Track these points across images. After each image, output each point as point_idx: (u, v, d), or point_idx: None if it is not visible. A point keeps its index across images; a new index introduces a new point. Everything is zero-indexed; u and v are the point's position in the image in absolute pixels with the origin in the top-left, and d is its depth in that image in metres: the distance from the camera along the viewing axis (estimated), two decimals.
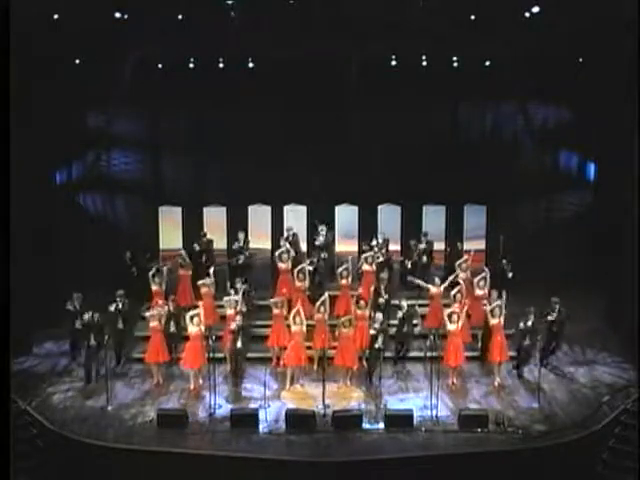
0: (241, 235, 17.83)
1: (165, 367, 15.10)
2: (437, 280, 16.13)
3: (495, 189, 19.06)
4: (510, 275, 16.72)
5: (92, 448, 12.41)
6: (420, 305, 16.29)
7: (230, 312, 15.07)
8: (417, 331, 15.74)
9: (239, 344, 14.52)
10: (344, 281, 16.33)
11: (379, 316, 14.71)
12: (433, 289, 16.00)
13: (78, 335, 15.19)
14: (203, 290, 16.07)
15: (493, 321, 14.58)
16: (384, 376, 14.65)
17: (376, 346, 14.53)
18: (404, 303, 15.49)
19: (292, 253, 16.83)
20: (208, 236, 18.21)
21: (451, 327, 14.49)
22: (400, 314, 15.42)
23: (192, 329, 14.31)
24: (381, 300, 15.78)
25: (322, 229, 17.82)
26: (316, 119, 18.83)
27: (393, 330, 15.48)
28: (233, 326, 14.58)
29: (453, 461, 12.26)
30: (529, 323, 14.66)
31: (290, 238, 17.72)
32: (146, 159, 20.09)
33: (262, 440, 12.64)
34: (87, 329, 14.68)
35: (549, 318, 15.08)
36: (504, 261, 16.96)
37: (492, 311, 14.66)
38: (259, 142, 19.01)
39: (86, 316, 14.69)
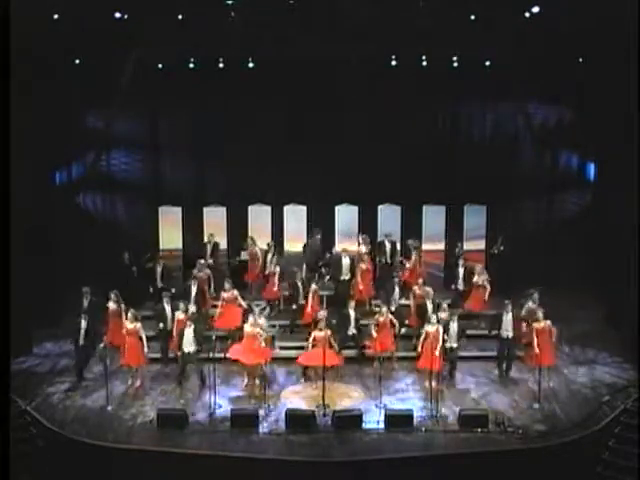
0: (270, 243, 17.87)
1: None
2: (420, 280, 16.20)
3: (495, 189, 19.06)
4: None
5: (92, 448, 12.41)
6: None
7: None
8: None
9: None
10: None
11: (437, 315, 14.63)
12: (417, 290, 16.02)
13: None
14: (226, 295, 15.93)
15: (537, 325, 14.45)
16: (384, 376, 14.61)
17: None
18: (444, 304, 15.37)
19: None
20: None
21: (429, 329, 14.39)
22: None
23: (247, 328, 14.35)
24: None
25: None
26: (316, 119, 18.85)
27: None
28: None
29: (453, 461, 12.24)
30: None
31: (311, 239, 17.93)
32: (146, 159, 20.07)
33: (262, 440, 12.64)
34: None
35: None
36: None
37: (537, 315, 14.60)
38: (259, 142, 19.03)
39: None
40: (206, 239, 18.17)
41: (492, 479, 12.30)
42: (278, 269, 17.02)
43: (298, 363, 14.67)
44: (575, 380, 14.84)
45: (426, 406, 13.55)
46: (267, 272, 17.27)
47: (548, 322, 14.35)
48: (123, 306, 15.18)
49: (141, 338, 14.41)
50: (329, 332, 14.46)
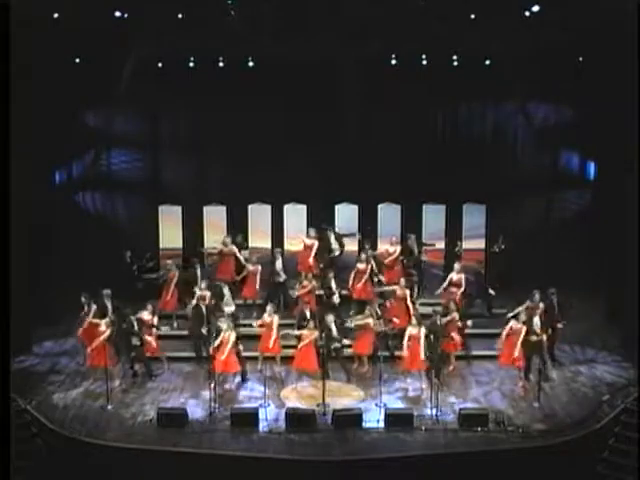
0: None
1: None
2: (402, 281, 16.06)
3: (495, 188, 19.06)
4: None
5: (92, 447, 12.41)
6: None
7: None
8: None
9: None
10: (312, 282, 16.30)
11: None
12: (399, 290, 15.90)
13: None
14: None
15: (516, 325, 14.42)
16: (384, 376, 14.61)
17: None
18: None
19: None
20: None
21: (412, 330, 14.37)
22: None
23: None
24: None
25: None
26: (316, 118, 18.84)
27: None
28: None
29: (453, 460, 12.25)
30: None
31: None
32: (146, 158, 20.08)
33: (262, 439, 12.64)
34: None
35: None
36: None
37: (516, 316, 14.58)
38: (259, 141, 19.02)
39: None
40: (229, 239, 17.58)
41: (492, 478, 12.30)
42: (259, 267, 16.99)
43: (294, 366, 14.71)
44: (575, 379, 14.86)
45: (426, 405, 13.55)
46: (246, 271, 17.08)
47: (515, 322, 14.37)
48: (110, 307, 15.18)
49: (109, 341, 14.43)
50: (316, 332, 14.51)
